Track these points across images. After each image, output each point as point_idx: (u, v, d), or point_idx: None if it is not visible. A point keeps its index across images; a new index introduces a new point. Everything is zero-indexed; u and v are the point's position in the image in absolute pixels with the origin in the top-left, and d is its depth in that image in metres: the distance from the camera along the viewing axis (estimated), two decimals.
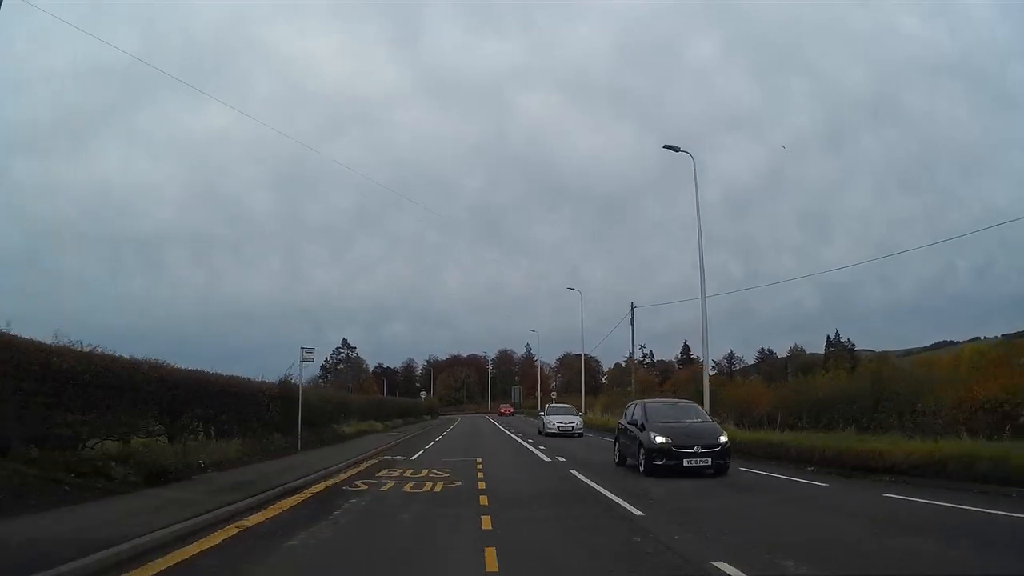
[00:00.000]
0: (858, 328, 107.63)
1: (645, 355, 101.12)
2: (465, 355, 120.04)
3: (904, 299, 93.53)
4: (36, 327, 10.40)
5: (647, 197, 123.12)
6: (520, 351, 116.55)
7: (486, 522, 7.99)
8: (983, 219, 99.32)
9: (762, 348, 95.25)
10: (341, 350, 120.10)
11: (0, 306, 20.84)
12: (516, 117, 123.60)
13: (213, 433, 15.52)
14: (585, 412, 43.33)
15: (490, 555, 6.13)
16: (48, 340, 10.26)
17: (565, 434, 29.46)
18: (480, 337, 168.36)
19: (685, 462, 12.90)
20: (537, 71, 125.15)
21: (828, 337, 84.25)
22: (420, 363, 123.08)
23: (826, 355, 73.22)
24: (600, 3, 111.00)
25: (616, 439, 16.48)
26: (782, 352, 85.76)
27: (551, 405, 39.45)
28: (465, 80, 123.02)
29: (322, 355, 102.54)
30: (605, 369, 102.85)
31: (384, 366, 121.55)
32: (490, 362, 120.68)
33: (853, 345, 77.51)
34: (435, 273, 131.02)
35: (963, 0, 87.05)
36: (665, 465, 12.97)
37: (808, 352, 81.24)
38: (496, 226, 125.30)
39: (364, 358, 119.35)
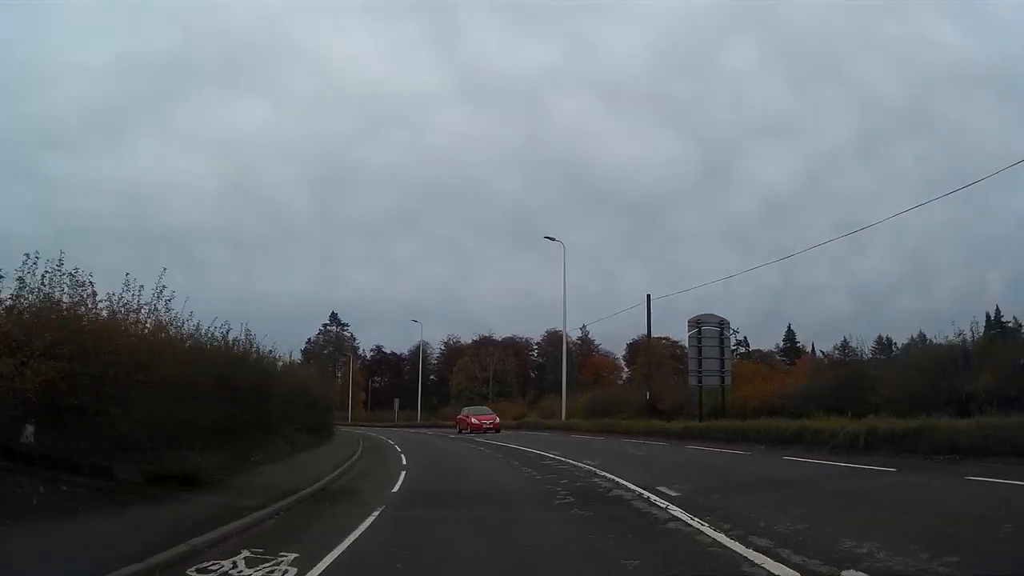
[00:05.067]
0: None
1: (738, 342, 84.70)
2: (500, 337, 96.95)
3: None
4: None
5: (682, 204, 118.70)
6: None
7: None
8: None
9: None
10: (330, 327, 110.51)
11: None
12: (551, 120, 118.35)
13: None
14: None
15: None
16: None
17: None
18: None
19: None
20: (573, 75, 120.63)
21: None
22: (436, 348, 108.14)
23: None
24: (637, 8, 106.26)
25: None
26: None
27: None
28: (502, 83, 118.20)
29: (306, 333, 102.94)
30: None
31: (384, 349, 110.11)
32: (535, 347, 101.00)
33: None
34: (466, 273, 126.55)
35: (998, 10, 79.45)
36: None
37: None
38: (529, 228, 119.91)
39: (357, 337, 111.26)
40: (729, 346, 29.81)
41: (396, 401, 77.20)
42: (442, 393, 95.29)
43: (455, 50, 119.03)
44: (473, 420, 40.25)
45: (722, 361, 28.78)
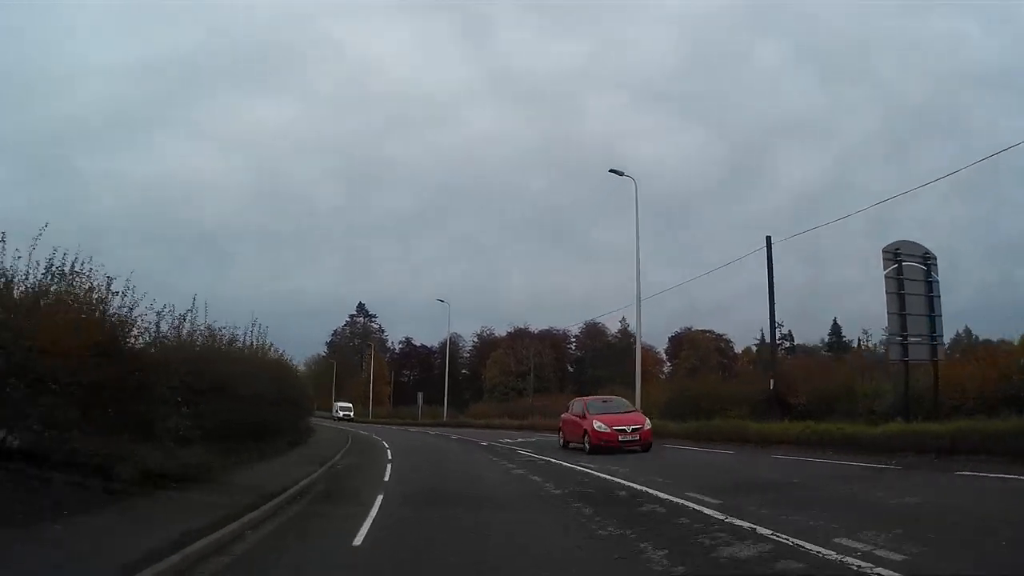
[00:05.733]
0: None
1: (784, 336, 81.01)
2: (536, 330, 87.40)
3: None
4: None
5: (710, 201, 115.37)
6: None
7: None
8: None
9: None
10: (356, 319, 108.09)
11: None
12: (582, 118, 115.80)
13: None
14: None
15: None
16: None
17: None
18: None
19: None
20: (603, 73, 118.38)
21: None
22: (468, 340, 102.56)
23: None
24: (666, 7, 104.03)
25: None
26: None
27: None
28: (531, 81, 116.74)
29: (332, 324, 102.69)
30: (738, 350, 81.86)
31: (413, 341, 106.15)
32: (572, 339, 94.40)
33: None
34: (497, 270, 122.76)
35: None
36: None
37: None
38: (559, 226, 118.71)
39: (386, 330, 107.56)
40: (938, 295, 17.95)
41: (419, 396, 66.46)
42: (474, 388, 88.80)
43: (484, 48, 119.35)
44: (598, 425, 18.96)
45: (932, 320, 17.31)
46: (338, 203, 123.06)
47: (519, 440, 26.80)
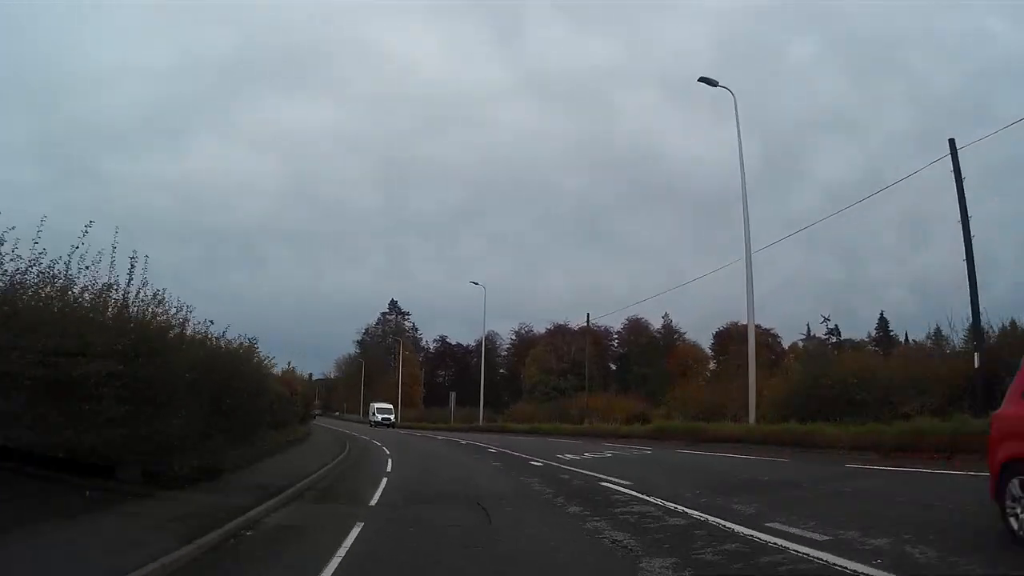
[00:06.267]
0: None
1: (830, 330, 75.61)
2: (577, 326, 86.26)
3: None
4: None
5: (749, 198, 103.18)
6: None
7: None
8: None
9: None
10: (389, 316, 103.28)
11: None
12: (615, 116, 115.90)
13: None
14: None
15: None
16: None
17: None
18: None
19: None
20: (637, 70, 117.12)
21: None
22: (506, 339, 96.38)
23: None
24: (698, 3, 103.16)
25: None
26: None
27: None
28: (565, 79, 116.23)
29: (360, 314, 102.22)
30: (786, 345, 74.98)
31: (448, 340, 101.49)
32: (615, 336, 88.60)
33: None
34: (532, 268, 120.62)
35: None
36: None
37: None
38: (595, 224, 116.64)
39: (420, 327, 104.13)
40: None
41: (452, 396, 58.35)
42: (512, 389, 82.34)
43: (518, 47, 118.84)
44: None
45: None
46: (373, 203, 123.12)
47: (590, 456, 18.31)
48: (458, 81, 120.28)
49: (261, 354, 17.98)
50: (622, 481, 11.73)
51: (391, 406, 64.72)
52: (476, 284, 54.37)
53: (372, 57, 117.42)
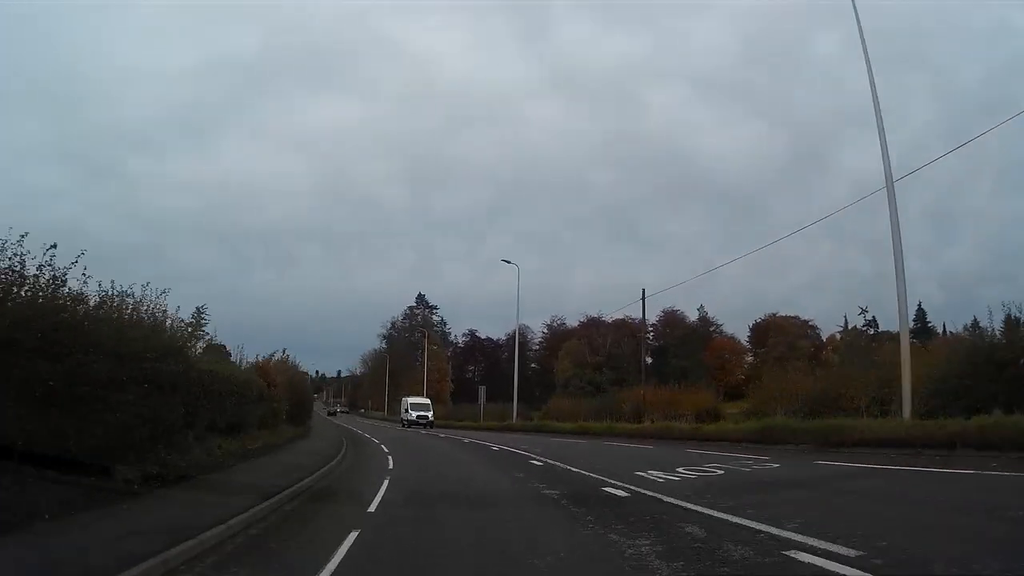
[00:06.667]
0: None
1: (868, 322, 70.54)
2: (610, 319, 76.09)
3: None
4: None
5: (773, 193, 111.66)
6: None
7: None
8: None
9: None
10: (416, 310, 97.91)
11: None
12: (643, 112, 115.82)
13: None
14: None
15: None
16: None
17: None
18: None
19: None
20: (664, 66, 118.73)
21: None
22: (537, 332, 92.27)
23: None
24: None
25: None
26: None
27: None
28: (592, 76, 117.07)
29: (389, 313, 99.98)
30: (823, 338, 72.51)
31: (478, 334, 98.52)
32: (650, 329, 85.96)
33: None
34: (561, 265, 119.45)
35: None
36: None
37: None
38: (625, 221, 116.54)
39: (448, 321, 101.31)
40: None
41: (481, 390, 52.01)
42: (544, 383, 77.66)
43: (544, 44, 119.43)
44: None
45: None
46: (401, 201, 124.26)
47: (695, 475, 11.56)
48: (484, 79, 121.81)
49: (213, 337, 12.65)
50: (843, 552, 5.28)
51: (428, 401, 55.43)
52: (509, 263, 48.28)
53: (398, 56, 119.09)
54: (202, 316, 15.21)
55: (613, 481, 10.97)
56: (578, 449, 20.30)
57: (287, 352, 26.42)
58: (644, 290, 33.69)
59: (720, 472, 12.24)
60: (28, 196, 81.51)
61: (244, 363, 18.23)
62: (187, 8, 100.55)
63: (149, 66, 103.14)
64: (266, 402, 17.40)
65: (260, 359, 19.66)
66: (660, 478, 11.42)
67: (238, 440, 14.29)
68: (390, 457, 17.87)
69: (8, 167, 79.55)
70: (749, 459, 14.53)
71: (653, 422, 25.69)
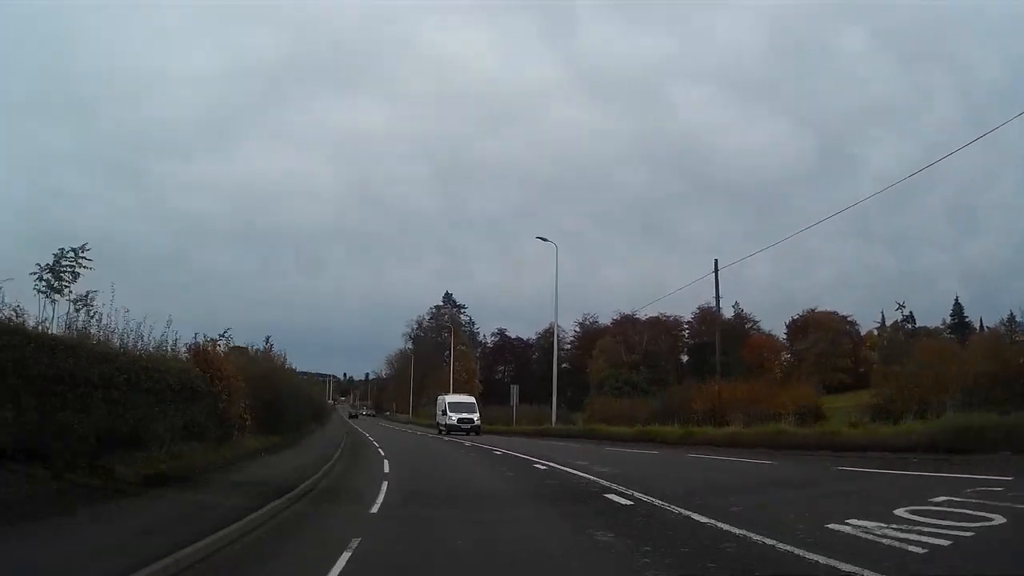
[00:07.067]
0: None
1: (905, 317, 71.05)
2: (644, 316, 74.77)
3: None
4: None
5: (799, 190, 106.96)
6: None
7: None
8: None
9: None
10: (443, 309, 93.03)
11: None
12: (669, 110, 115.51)
13: None
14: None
15: None
16: None
17: None
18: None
19: None
20: (690, 65, 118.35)
21: None
22: (569, 331, 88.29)
23: None
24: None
25: None
26: None
27: None
28: (618, 75, 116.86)
29: (415, 312, 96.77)
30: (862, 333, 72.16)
31: (507, 333, 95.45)
32: (685, 326, 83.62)
33: None
34: (591, 264, 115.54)
35: None
36: None
37: None
38: (654, 218, 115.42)
39: (476, 321, 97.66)
40: None
41: (514, 389, 45.85)
42: (577, 383, 74.45)
43: (570, 44, 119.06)
44: None
45: None
46: (429, 202, 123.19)
47: None
48: (511, 80, 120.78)
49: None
50: None
51: (472, 400, 43.09)
52: (545, 240, 42.31)
53: (425, 57, 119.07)
54: (79, 257, 9.82)
55: (840, 565, 4.83)
56: (669, 469, 13.78)
57: (271, 342, 20.86)
58: (716, 261, 27.50)
59: (996, 520, 6.07)
60: (54, 197, 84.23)
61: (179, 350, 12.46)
62: (212, 9, 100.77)
63: (175, 70, 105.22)
64: (204, 400, 11.63)
65: (204, 340, 13.87)
66: (895, 540, 5.33)
67: (128, 461, 8.54)
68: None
69: (35, 170, 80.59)
70: (983, 480, 8.23)
71: (746, 426, 19.42)
